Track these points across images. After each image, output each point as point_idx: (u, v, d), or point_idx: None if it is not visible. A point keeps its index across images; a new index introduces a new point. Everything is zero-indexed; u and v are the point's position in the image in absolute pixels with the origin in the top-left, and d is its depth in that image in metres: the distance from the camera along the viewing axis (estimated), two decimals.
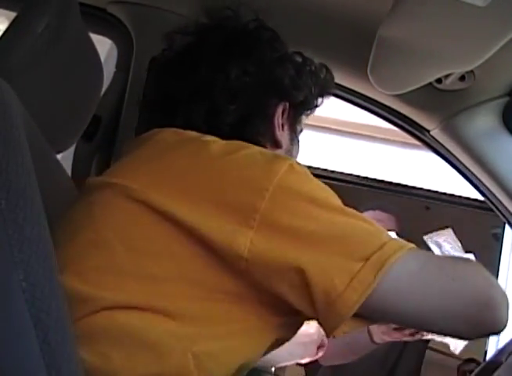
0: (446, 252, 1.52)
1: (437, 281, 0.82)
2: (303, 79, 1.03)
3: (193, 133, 0.91)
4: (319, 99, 1.09)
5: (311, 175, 0.86)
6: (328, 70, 1.09)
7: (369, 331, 1.89)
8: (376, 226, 0.84)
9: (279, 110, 1.00)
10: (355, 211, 0.84)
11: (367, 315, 0.81)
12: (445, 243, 1.55)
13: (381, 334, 1.85)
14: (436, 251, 1.50)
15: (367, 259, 0.77)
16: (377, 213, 2.26)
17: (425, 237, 1.63)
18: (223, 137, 0.90)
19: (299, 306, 0.81)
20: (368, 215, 2.18)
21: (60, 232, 0.81)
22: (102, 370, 0.74)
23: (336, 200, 0.85)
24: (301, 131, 1.10)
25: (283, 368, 3.20)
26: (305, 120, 1.11)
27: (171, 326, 0.77)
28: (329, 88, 1.10)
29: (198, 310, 0.78)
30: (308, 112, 1.08)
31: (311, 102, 1.06)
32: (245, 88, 0.97)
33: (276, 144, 1.00)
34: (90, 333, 0.75)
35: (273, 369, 3.53)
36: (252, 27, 1.03)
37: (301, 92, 1.02)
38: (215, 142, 0.87)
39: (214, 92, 0.96)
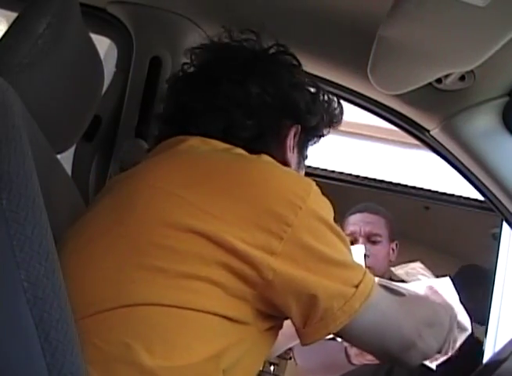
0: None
1: (396, 318, 0.92)
2: (317, 105, 1.06)
3: (221, 144, 0.94)
4: (327, 129, 1.12)
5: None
6: (339, 103, 1.12)
7: (346, 352, 1.88)
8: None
9: (292, 132, 1.02)
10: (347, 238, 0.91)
11: (340, 335, 0.89)
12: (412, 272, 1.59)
13: (358, 355, 1.84)
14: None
15: (357, 287, 0.85)
16: (365, 215, 2.13)
17: (393, 269, 1.67)
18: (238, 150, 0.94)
19: (293, 317, 0.86)
20: (355, 217, 2.11)
21: (83, 230, 0.84)
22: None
23: (338, 227, 0.90)
24: (307, 157, 1.12)
25: (283, 368, 3.20)
26: None
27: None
28: (338, 120, 1.13)
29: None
30: (315, 139, 1.10)
31: (321, 129, 1.09)
32: (263, 106, 0.99)
33: (285, 165, 1.00)
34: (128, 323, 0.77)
35: (272, 368, 3.54)
36: (274, 51, 1.06)
37: (315, 118, 1.05)
38: (246, 156, 0.92)
39: (232, 106, 0.97)
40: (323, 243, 0.85)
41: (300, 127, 1.03)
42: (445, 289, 1.51)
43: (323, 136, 1.12)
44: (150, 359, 0.74)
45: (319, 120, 1.07)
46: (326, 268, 0.84)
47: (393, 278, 1.94)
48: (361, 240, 2.05)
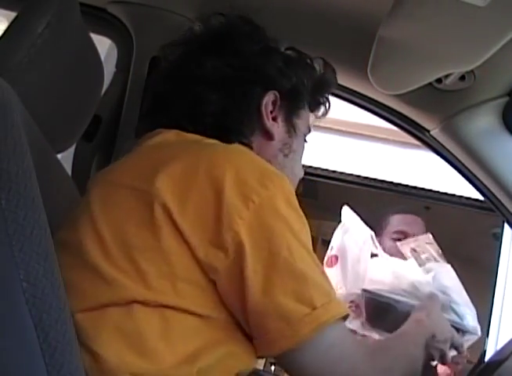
0: (421, 261, 1.48)
1: (349, 358, 0.82)
2: (290, 68, 1.02)
3: (193, 136, 0.91)
4: (321, 96, 1.09)
5: (296, 201, 0.84)
6: (328, 65, 1.09)
7: None
8: (327, 279, 0.84)
9: (267, 99, 0.99)
10: (315, 256, 0.83)
11: (281, 362, 0.82)
12: (420, 250, 1.50)
13: None
14: (411, 260, 1.47)
15: (314, 309, 0.77)
16: (408, 217, 2.17)
17: (399, 244, 1.60)
18: (207, 129, 0.92)
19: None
20: (397, 218, 2.15)
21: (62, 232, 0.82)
22: None
23: (307, 237, 0.83)
24: (309, 130, 1.09)
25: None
26: (313, 119, 1.11)
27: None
28: (329, 84, 1.10)
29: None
30: (307, 106, 1.07)
31: (304, 93, 1.05)
32: (224, 78, 0.97)
33: (267, 135, 0.99)
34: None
35: (273, 368, 3.54)
36: (230, 22, 1.04)
37: (289, 80, 1.01)
38: (216, 145, 0.88)
39: (193, 84, 0.97)
40: (278, 242, 0.78)
41: (277, 93, 1.00)
42: (449, 279, 1.46)
43: (321, 104, 1.10)
44: (135, 359, 0.74)
45: (297, 83, 1.02)
46: (277, 270, 0.77)
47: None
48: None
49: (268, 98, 0.99)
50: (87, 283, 0.77)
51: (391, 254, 2.11)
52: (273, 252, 0.77)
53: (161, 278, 0.76)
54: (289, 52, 1.06)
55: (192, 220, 0.77)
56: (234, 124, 0.97)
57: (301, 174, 1.09)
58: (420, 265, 1.44)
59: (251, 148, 0.97)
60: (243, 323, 0.80)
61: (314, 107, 1.10)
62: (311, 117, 1.11)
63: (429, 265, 1.43)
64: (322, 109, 1.12)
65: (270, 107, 1.00)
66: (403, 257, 2.05)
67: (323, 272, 0.84)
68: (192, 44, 1.03)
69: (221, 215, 0.77)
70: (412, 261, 1.46)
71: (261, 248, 0.77)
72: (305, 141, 1.09)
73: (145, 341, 0.74)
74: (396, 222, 2.15)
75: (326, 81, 1.10)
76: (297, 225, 0.81)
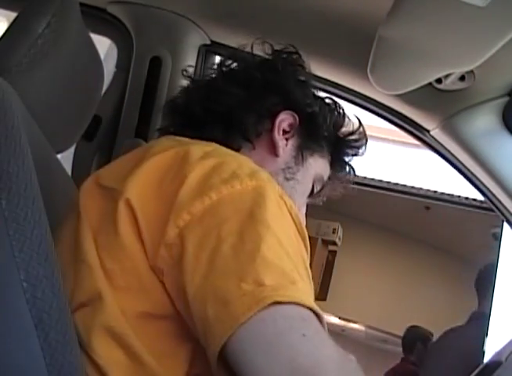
0: None
1: (286, 351, 0.63)
2: (316, 100, 1.05)
3: (186, 139, 0.89)
4: (344, 155, 1.11)
5: (282, 208, 0.75)
6: (364, 134, 1.11)
7: None
8: (302, 276, 0.70)
9: (285, 117, 1.01)
10: (295, 256, 0.71)
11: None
12: None
13: None
14: None
15: (260, 285, 0.64)
16: None
17: None
18: (215, 119, 0.95)
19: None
20: None
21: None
22: None
23: (284, 235, 0.72)
24: (321, 183, 1.08)
25: None
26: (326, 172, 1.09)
27: None
28: (356, 147, 1.11)
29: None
30: (328, 158, 1.08)
31: (323, 129, 1.06)
32: (252, 80, 1.01)
33: (272, 149, 1.00)
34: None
35: None
36: (281, 51, 1.07)
37: (310, 107, 1.03)
38: (197, 144, 0.83)
39: (220, 77, 1.03)
40: (226, 229, 0.69)
41: (297, 118, 1.01)
42: None
43: (343, 162, 1.11)
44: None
45: (316, 112, 1.04)
46: (223, 259, 0.67)
47: None
48: None
49: (286, 117, 1.01)
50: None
51: None
52: (222, 237, 0.69)
53: (127, 274, 0.73)
54: (326, 98, 1.09)
55: (148, 219, 0.73)
56: (242, 118, 0.98)
57: (301, 211, 1.04)
58: None
59: (253, 148, 0.98)
60: (190, 324, 0.70)
61: (336, 167, 1.11)
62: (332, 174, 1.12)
63: None
64: (342, 171, 1.13)
65: (285, 126, 1.01)
66: None
67: (302, 271, 0.71)
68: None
69: (171, 212, 0.72)
70: None
71: (208, 235, 0.69)
72: (311, 193, 1.07)
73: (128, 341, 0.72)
74: None
75: (353, 143, 1.11)
76: (269, 222, 0.70)
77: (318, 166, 1.07)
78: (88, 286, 0.73)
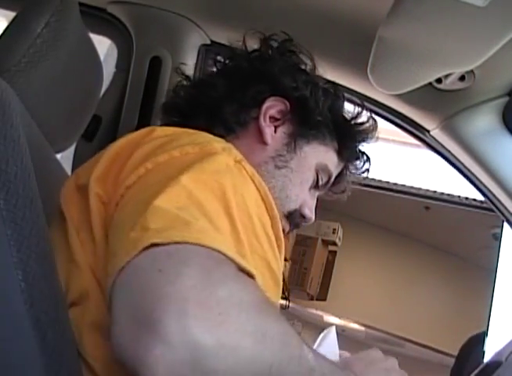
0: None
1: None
2: (307, 86, 1.02)
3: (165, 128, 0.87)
4: (351, 143, 1.07)
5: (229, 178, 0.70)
6: (373, 119, 1.09)
7: None
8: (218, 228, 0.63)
9: (272, 103, 1.00)
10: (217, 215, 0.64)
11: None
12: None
13: None
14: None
15: (145, 231, 0.58)
16: None
17: None
18: (199, 114, 0.97)
19: None
20: None
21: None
22: None
23: (209, 197, 0.66)
24: (328, 174, 1.05)
25: None
26: (332, 163, 1.06)
27: None
28: (365, 134, 1.08)
29: None
30: (333, 147, 1.05)
31: (315, 113, 1.02)
32: (239, 69, 1.02)
33: (260, 137, 0.99)
34: None
35: None
36: (277, 42, 1.06)
37: (300, 93, 1.01)
38: (158, 130, 0.81)
39: (208, 73, 1.08)
40: (146, 194, 0.64)
41: (287, 104, 1.00)
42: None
43: (354, 152, 1.08)
44: None
45: (307, 97, 1.01)
46: (130, 217, 0.62)
47: None
48: None
49: (275, 103, 1.00)
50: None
51: None
52: (137, 201, 0.65)
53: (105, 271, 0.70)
54: (327, 85, 1.06)
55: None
56: (226, 109, 0.98)
57: (296, 205, 1.00)
58: None
59: (237, 137, 0.98)
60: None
61: (345, 155, 1.07)
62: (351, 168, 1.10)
63: None
64: (354, 159, 1.09)
65: (274, 113, 0.99)
66: None
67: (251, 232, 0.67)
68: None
69: (115, 191, 0.70)
70: None
71: (127, 203, 0.67)
72: (317, 185, 1.04)
73: None
74: None
75: (358, 127, 1.08)
76: (188, 175, 0.66)
77: (319, 155, 1.03)
78: (77, 285, 0.72)
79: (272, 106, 1.00)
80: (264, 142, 0.99)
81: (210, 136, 0.80)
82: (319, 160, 1.03)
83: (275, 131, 1.00)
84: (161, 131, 0.80)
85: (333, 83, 1.08)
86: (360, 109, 1.09)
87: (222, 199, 0.67)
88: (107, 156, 0.77)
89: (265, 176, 0.90)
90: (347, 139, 1.07)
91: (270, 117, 1.00)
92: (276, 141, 0.99)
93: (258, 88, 1.00)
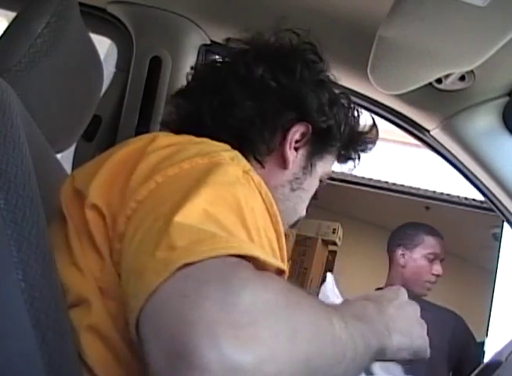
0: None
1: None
2: (333, 110, 1.00)
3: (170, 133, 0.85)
4: (354, 151, 1.07)
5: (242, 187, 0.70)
6: (375, 127, 1.08)
7: None
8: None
9: (298, 128, 0.97)
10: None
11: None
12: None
13: None
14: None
15: (172, 250, 0.57)
16: (441, 241, 2.44)
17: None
18: (227, 133, 0.88)
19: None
20: (432, 241, 2.42)
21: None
22: None
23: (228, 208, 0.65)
24: (327, 176, 1.06)
25: None
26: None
27: None
28: (367, 143, 1.07)
29: None
30: (335, 153, 1.04)
31: (336, 138, 1.01)
32: (266, 90, 0.94)
33: (282, 162, 0.97)
34: None
35: None
36: (297, 44, 1.01)
37: (326, 120, 0.99)
38: (161, 139, 0.78)
39: (234, 85, 0.94)
40: (162, 210, 0.63)
41: (310, 128, 0.97)
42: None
43: (351, 158, 1.07)
44: None
45: (333, 125, 0.99)
46: (151, 236, 0.61)
47: None
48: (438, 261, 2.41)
49: (299, 128, 0.97)
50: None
51: (421, 271, 2.38)
52: (156, 218, 0.63)
53: (104, 275, 0.71)
54: (342, 95, 1.04)
55: (111, 215, 0.70)
56: (255, 136, 0.93)
57: (303, 213, 1.04)
58: None
59: (263, 167, 0.94)
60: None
61: (342, 159, 1.07)
62: (337, 166, 1.09)
63: None
64: (349, 163, 1.10)
65: (297, 137, 0.97)
66: (429, 277, 2.36)
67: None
68: (252, 48, 0.99)
69: (122, 204, 0.69)
70: None
71: (145, 218, 0.65)
72: (321, 182, 1.05)
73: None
74: (432, 243, 2.42)
75: (365, 140, 1.08)
76: (205, 189, 0.65)
77: (326, 164, 1.03)
78: (78, 289, 0.72)
79: (297, 131, 0.97)
80: (284, 167, 0.97)
81: (217, 144, 0.79)
82: (324, 171, 1.04)
83: (296, 156, 0.98)
84: (164, 140, 0.77)
85: (345, 92, 1.06)
86: (372, 124, 1.09)
87: (238, 212, 0.66)
88: (108, 166, 0.75)
89: (280, 199, 0.90)
90: (352, 150, 1.08)
91: (293, 141, 0.98)
92: (295, 164, 0.98)
93: (288, 116, 0.96)
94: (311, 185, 1.02)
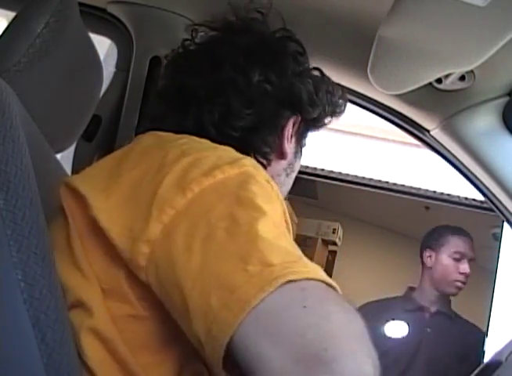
0: None
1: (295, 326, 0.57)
2: (319, 97, 1.02)
3: (171, 136, 0.85)
4: (329, 119, 1.08)
5: (266, 190, 0.73)
6: (343, 93, 1.08)
7: None
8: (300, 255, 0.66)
9: (291, 122, 0.99)
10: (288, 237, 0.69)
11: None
12: None
13: None
14: None
15: (269, 266, 0.60)
16: (467, 240, 2.47)
17: None
18: (230, 142, 0.86)
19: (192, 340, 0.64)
20: (458, 240, 2.45)
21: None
22: None
23: (273, 218, 0.68)
24: (304, 145, 1.08)
25: None
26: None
27: None
28: (341, 111, 1.09)
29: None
30: (315, 129, 1.07)
31: (322, 119, 1.05)
32: (264, 95, 0.95)
33: (282, 155, 0.99)
34: None
35: None
36: (279, 36, 1.02)
37: (316, 110, 1.01)
38: (172, 152, 0.77)
39: (233, 94, 0.93)
40: (216, 215, 0.66)
41: (300, 117, 1.00)
42: None
43: (324, 126, 1.08)
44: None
45: (320, 111, 1.03)
46: (219, 245, 0.63)
47: None
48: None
49: (292, 121, 0.99)
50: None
51: (448, 271, 2.41)
52: (212, 224, 0.65)
53: (106, 277, 0.72)
54: (316, 73, 1.05)
55: (121, 225, 0.71)
56: (258, 142, 0.95)
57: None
58: None
59: (269, 165, 0.97)
60: (183, 325, 0.65)
61: (319, 129, 1.09)
62: None
63: None
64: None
65: (291, 129, 0.99)
66: (457, 276, 2.38)
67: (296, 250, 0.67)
68: (235, 44, 0.98)
69: (151, 210, 0.69)
70: None
71: (197, 225, 0.66)
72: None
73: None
74: (457, 242, 2.45)
75: (339, 109, 1.09)
76: (259, 204, 0.68)
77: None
78: (79, 290, 0.72)
79: (291, 125, 0.99)
80: (282, 158, 1.00)
81: (228, 149, 0.80)
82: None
83: (291, 146, 1.01)
84: (175, 147, 0.77)
85: (319, 69, 1.07)
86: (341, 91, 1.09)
87: (286, 225, 0.72)
88: (124, 184, 0.74)
89: (278, 186, 0.90)
90: (332, 116, 1.08)
91: (290, 135, 1.00)
92: (290, 153, 1.01)
93: (285, 114, 0.98)
94: (299, 164, 1.06)
